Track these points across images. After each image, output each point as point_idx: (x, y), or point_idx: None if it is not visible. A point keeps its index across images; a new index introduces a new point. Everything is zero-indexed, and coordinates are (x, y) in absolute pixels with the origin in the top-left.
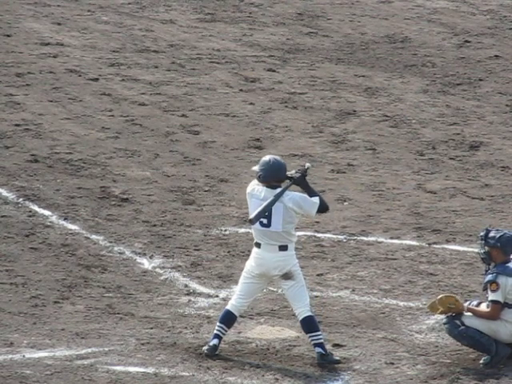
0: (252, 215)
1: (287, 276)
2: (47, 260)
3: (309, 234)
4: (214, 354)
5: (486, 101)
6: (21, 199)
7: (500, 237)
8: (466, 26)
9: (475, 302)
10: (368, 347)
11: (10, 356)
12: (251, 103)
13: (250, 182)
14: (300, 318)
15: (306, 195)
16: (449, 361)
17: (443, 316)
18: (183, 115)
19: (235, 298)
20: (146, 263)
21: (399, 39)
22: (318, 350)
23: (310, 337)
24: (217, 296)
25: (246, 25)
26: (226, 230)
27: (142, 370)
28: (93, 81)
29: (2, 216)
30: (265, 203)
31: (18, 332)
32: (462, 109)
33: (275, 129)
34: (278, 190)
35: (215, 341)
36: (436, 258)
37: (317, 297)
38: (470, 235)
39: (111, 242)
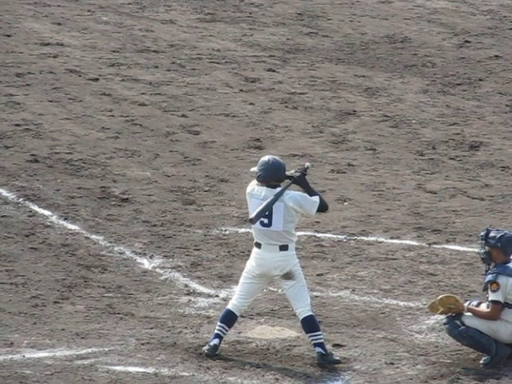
0: (252, 214)
1: (288, 276)
2: (47, 260)
3: (309, 233)
4: (214, 353)
5: (486, 101)
6: (21, 199)
7: (500, 237)
8: (466, 26)
9: (475, 302)
10: (368, 347)
11: (10, 356)
12: (251, 103)
13: (250, 183)
14: (300, 318)
15: (306, 194)
16: (449, 361)
17: (443, 316)
18: (183, 115)
19: (236, 297)
20: (146, 263)
21: (399, 39)
22: (318, 349)
23: (310, 336)
24: (217, 296)
25: (246, 25)
26: (226, 230)
27: (141, 370)
28: (93, 81)
29: (2, 216)
30: (265, 202)
31: (18, 332)
32: (462, 109)
33: (275, 129)
34: (278, 189)
35: (216, 340)
36: (436, 258)
37: (317, 297)
38: (470, 235)
39: (111, 242)
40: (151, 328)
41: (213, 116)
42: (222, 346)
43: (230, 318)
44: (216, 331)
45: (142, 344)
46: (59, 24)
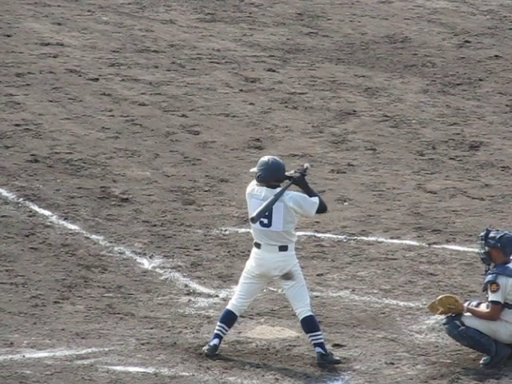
0: (253, 214)
1: (287, 276)
2: (47, 260)
3: (309, 233)
4: (214, 353)
5: (486, 101)
6: (21, 199)
7: (500, 237)
8: (466, 26)
9: (474, 303)
10: (368, 347)
11: (10, 356)
12: (251, 103)
13: (250, 183)
14: (300, 318)
15: (305, 195)
16: (449, 361)
17: (443, 316)
18: (183, 115)
19: (235, 297)
20: (146, 263)
21: (399, 39)
22: (318, 349)
23: (310, 336)
24: (217, 296)
25: (246, 25)
26: (226, 230)
27: (142, 369)
28: (93, 81)
29: (2, 216)
30: (265, 202)
31: (18, 332)
32: (462, 109)
33: (275, 129)
34: (278, 189)
35: (215, 340)
36: (436, 258)
37: (317, 297)
38: (470, 235)
39: (111, 242)
40: (151, 328)
41: (213, 116)
42: (222, 345)
43: (229, 318)
44: (216, 331)
45: (142, 344)
46: (59, 24)
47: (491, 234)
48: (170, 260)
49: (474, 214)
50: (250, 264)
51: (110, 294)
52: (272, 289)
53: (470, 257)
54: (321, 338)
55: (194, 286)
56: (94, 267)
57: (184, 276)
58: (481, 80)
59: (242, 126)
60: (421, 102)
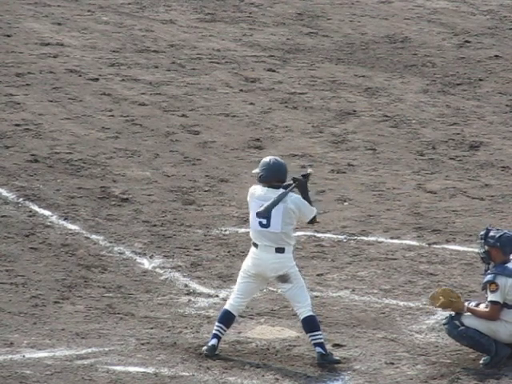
0: (261, 208)
1: (283, 279)
2: (47, 260)
3: (309, 233)
4: (213, 354)
5: (486, 101)
6: (21, 199)
7: (500, 236)
8: (466, 26)
9: (474, 303)
10: (368, 347)
11: (10, 356)
12: (251, 103)
13: (252, 186)
14: (301, 318)
15: (305, 201)
16: (449, 361)
17: (443, 316)
18: (183, 115)
19: (233, 297)
20: (146, 263)
21: (399, 39)
22: (318, 349)
23: (311, 336)
24: (217, 296)
25: (246, 25)
26: (226, 230)
27: (142, 369)
28: (93, 81)
29: (2, 216)
30: (272, 199)
31: (18, 332)
32: (462, 109)
33: (275, 129)
34: (281, 190)
35: (214, 341)
36: (436, 258)
37: (317, 297)
38: (470, 235)
39: (111, 242)
40: (151, 328)
41: (213, 116)
42: (222, 346)
43: (227, 318)
44: (214, 331)
45: (142, 344)
46: (59, 24)
47: (491, 233)
48: (170, 260)
49: (474, 214)
50: (247, 263)
51: (110, 294)
52: (272, 289)
53: (469, 257)
54: (321, 338)
55: (194, 285)
56: (94, 267)
57: (184, 276)
58: (481, 80)
59: (242, 126)
60: (421, 102)
